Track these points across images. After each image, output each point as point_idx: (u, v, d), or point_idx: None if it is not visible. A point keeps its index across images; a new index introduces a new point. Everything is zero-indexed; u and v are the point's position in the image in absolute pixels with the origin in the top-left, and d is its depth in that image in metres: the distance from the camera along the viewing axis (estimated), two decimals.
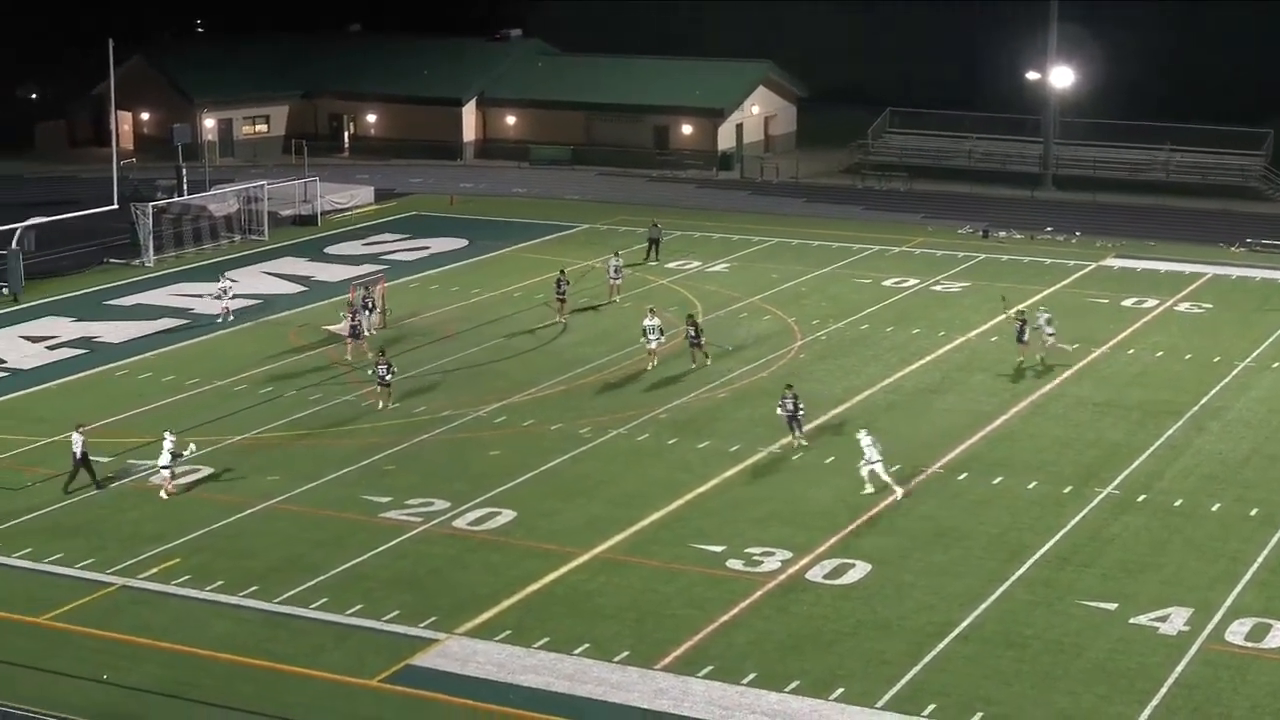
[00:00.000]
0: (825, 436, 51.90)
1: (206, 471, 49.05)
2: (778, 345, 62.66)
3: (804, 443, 50.67)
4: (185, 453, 47.61)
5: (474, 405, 55.16)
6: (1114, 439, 51.82)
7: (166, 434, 47.66)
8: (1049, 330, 60.23)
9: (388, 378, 54.49)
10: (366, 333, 63.62)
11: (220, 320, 66.60)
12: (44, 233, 78.23)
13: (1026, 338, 59.44)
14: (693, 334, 59.34)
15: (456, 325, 66.20)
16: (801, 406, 50.76)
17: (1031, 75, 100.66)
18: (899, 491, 46.45)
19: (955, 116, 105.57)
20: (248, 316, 67.81)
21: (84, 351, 63.22)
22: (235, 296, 68.33)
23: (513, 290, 71.83)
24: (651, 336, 58.77)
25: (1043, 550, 42.67)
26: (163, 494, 46.62)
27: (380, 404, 54.53)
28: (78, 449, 46.94)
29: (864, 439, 47.04)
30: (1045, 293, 71.02)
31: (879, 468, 46.60)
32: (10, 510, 45.85)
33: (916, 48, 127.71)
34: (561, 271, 67.63)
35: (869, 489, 46.74)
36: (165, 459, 46.77)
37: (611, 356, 60.83)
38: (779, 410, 50.83)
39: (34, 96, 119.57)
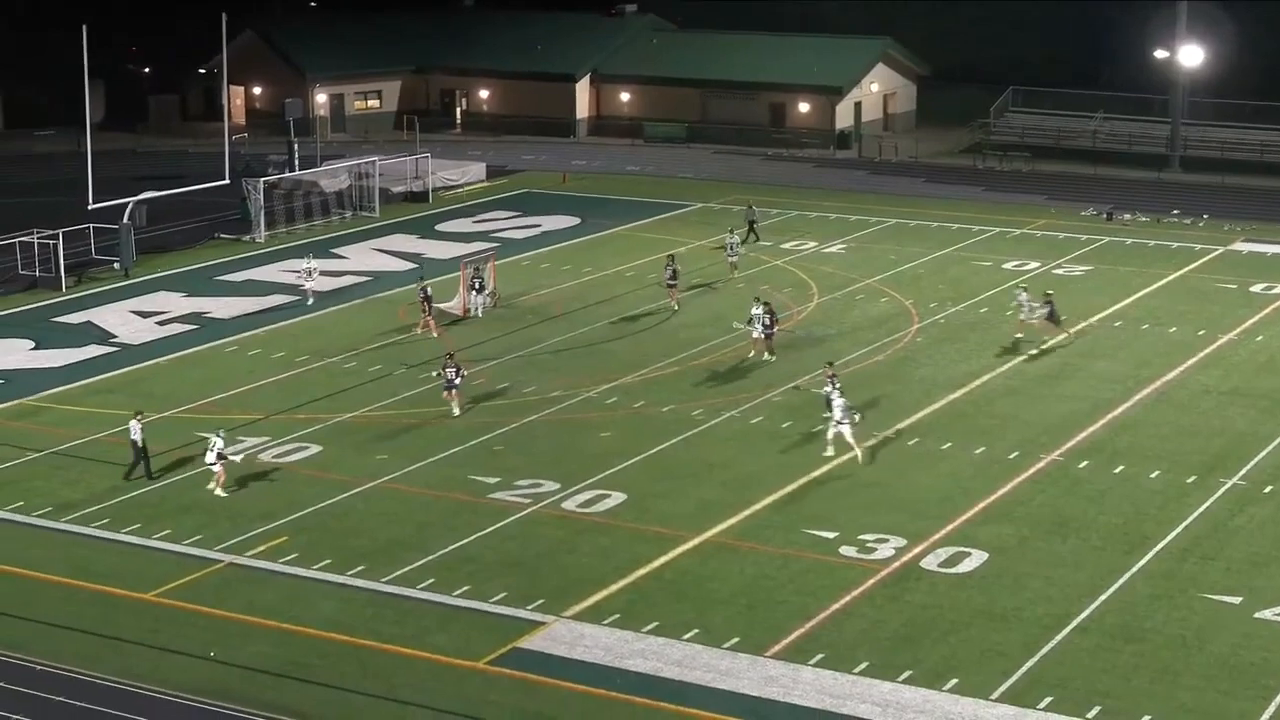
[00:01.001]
0: (941, 422, 51.63)
1: (315, 449, 49.49)
2: (895, 328, 62.34)
3: (857, 417, 50.18)
4: (230, 455, 46.54)
5: (584, 386, 55.27)
6: (1240, 428, 51.17)
7: (217, 433, 46.75)
8: (1026, 307, 60.64)
9: (456, 381, 52.47)
10: (477, 314, 64.07)
11: (309, 303, 66.65)
12: (155, 207, 79.12)
13: (1054, 316, 59.73)
14: (767, 323, 58.08)
15: (567, 305, 66.37)
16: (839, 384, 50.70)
17: (1160, 53, 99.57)
18: (859, 453, 47.61)
19: (1080, 95, 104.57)
20: (359, 293, 68.32)
21: (194, 327, 63.93)
22: (319, 275, 67.77)
23: (625, 270, 71.91)
24: (758, 326, 58.32)
25: (1165, 542, 42.22)
26: (219, 491, 45.82)
27: (455, 409, 52.45)
28: (136, 436, 46.81)
29: (836, 400, 47.91)
30: (1171, 277, 70.27)
31: (845, 429, 47.59)
32: (118, 486, 46.45)
33: (1040, 24, 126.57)
34: (670, 257, 67.52)
35: (830, 451, 47.99)
36: (211, 457, 45.81)
37: (725, 338, 60.71)
38: (824, 389, 50.48)
39: (147, 70, 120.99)
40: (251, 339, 62.04)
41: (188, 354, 60.34)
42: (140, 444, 46.93)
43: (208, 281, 71.33)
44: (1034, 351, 59.04)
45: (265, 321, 64.44)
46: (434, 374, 54.14)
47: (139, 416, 47.46)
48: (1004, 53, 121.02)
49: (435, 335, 61.16)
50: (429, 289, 62.64)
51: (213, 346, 61.23)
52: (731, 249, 70.32)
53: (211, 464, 45.92)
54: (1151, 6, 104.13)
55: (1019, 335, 60.28)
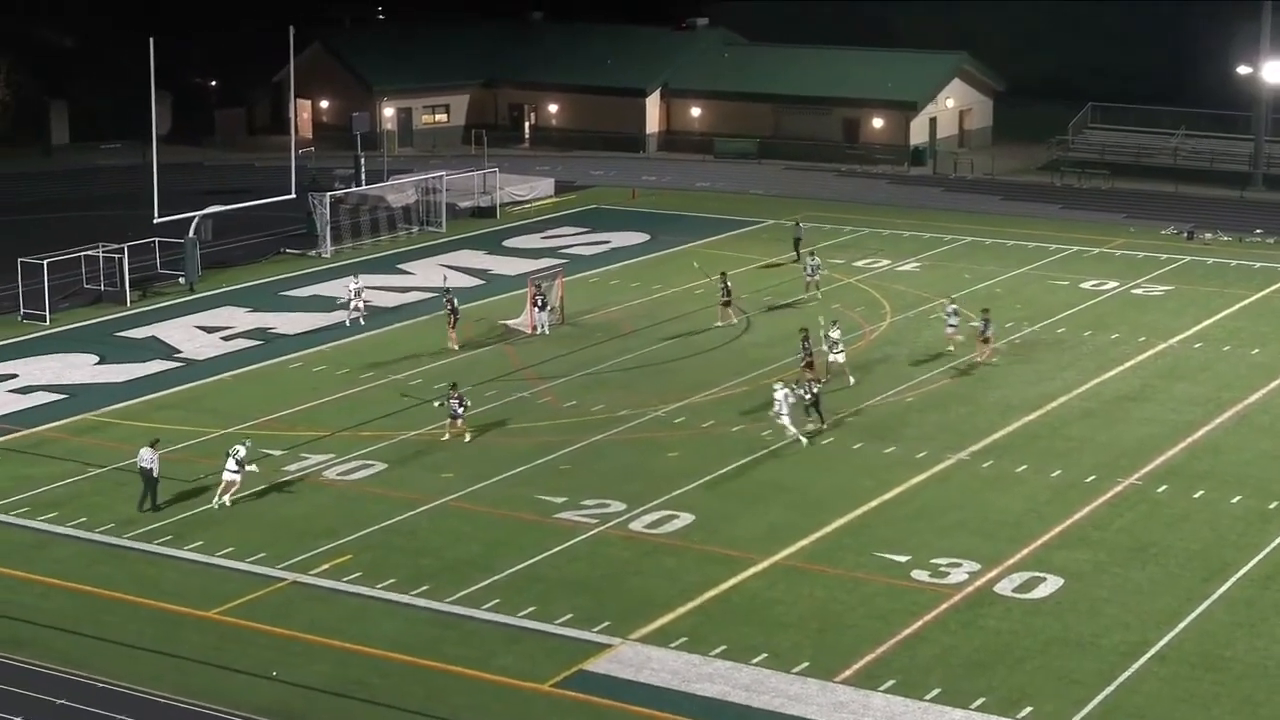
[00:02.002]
0: (1016, 445, 51.42)
1: (380, 467, 49.69)
2: (969, 348, 62.07)
3: (823, 426, 52.40)
4: (251, 467, 46.78)
5: (652, 405, 55.27)
6: None
7: (242, 443, 47.26)
8: (951, 322, 61.75)
9: (459, 411, 51.82)
10: (545, 330, 64.25)
11: (349, 324, 66.45)
12: (221, 221, 79.69)
13: (990, 333, 60.33)
14: (804, 349, 57.16)
15: (636, 322, 66.43)
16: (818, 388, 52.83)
17: (1243, 69, 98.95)
18: (803, 441, 50.72)
19: (1160, 112, 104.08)
20: (424, 309, 68.49)
21: (259, 343, 64.30)
22: (362, 290, 67.42)
23: (694, 287, 71.88)
24: (839, 349, 57.76)
25: (1246, 568, 41.89)
26: (226, 500, 46.17)
27: (447, 435, 51.85)
28: (148, 465, 45.87)
29: (778, 392, 50.86)
30: (1253, 298, 69.79)
31: (786, 420, 50.59)
32: (183, 503, 46.73)
33: (1120, 39, 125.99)
34: (722, 274, 67.45)
35: (803, 439, 51.07)
36: (232, 464, 46.01)
37: (796, 357, 60.52)
38: (801, 394, 52.30)
39: (213, 84, 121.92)
40: (316, 355, 62.37)
41: (252, 370, 60.70)
42: (152, 472, 45.98)
43: (273, 297, 71.75)
44: (960, 364, 59.62)
45: (330, 337, 64.75)
46: (435, 404, 53.28)
47: (154, 445, 46.69)
48: (1083, 69, 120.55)
49: (455, 348, 61.95)
50: (455, 301, 63.03)
51: (277, 362, 61.58)
52: (813, 271, 70.02)
53: (233, 471, 46.04)
54: (1235, 22, 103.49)
55: (950, 348, 60.86)
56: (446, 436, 51.95)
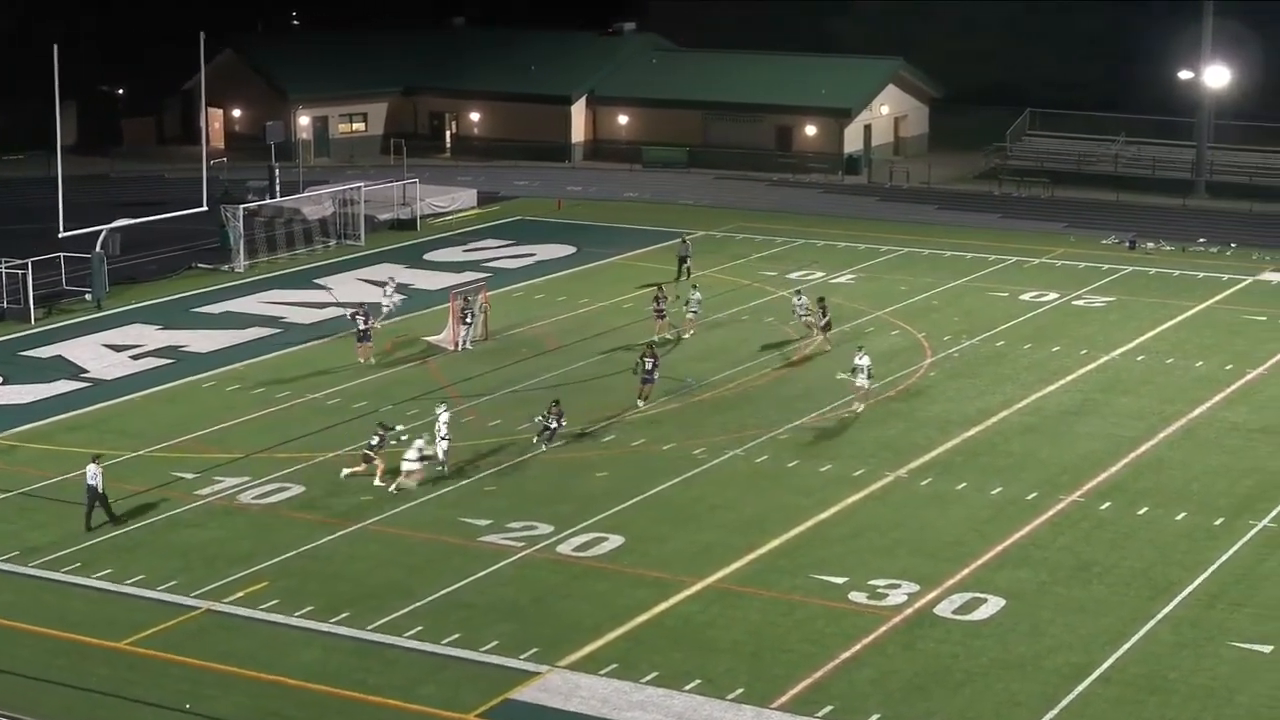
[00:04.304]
0: (956, 461, 51.65)
1: (297, 490, 49.46)
2: (907, 362, 62.38)
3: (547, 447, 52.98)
4: (430, 452, 49.62)
5: (580, 423, 55.21)
6: (1272, 467, 51.15)
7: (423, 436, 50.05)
8: (693, 309, 66.06)
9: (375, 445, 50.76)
10: (468, 346, 64.18)
11: (384, 313, 68.08)
12: (130, 235, 79.13)
13: (825, 321, 63.87)
14: (648, 368, 57.14)
15: (563, 338, 66.41)
16: (563, 417, 53.15)
17: (1184, 74, 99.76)
18: (445, 468, 50.15)
19: (1100, 118, 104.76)
20: (343, 326, 68.15)
21: (170, 361, 63.91)
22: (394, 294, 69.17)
23: (623, 301, 71.95)
24: (860, 376, 56.35)
25: (1191, 587, 42.18)
26: (413, 483, 49.01)
27: (362, 467, 50.67)
28: (94, 481, 45.86)
29: (442, 415, 50.66)
30: (1196, 309, 70.34)
31: (442, 446, 50.27)
32: (88, 530, 46.34)
33: (1060, 44, 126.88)
34: (659, 286, 67.51)
35: (435, 468, 50.43)
36: (414, 454, 48.90)
37: (728, 373, 60.79)
38: (538, 418, 53.55)
39: (120, 92, 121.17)
40: (230, 374, 62.04)
41: (163, 389, 60.30)
42: (100, 489, 45.97)
43: (184, 313, 71.35)
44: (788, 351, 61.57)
45: (244, 355, 64.45)
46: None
47: (97, 460, 46.54)
48: (1021, 74, 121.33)
49: (365, 362, 62.37)
50: (368, 317, 63.26)
51: (189, 381, 61.20)
52: (803, 311, 66.35)
53: (414, 460, 49.03)
54: (1176, 26, 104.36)
55: (687, 334, 65.02)
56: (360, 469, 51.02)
